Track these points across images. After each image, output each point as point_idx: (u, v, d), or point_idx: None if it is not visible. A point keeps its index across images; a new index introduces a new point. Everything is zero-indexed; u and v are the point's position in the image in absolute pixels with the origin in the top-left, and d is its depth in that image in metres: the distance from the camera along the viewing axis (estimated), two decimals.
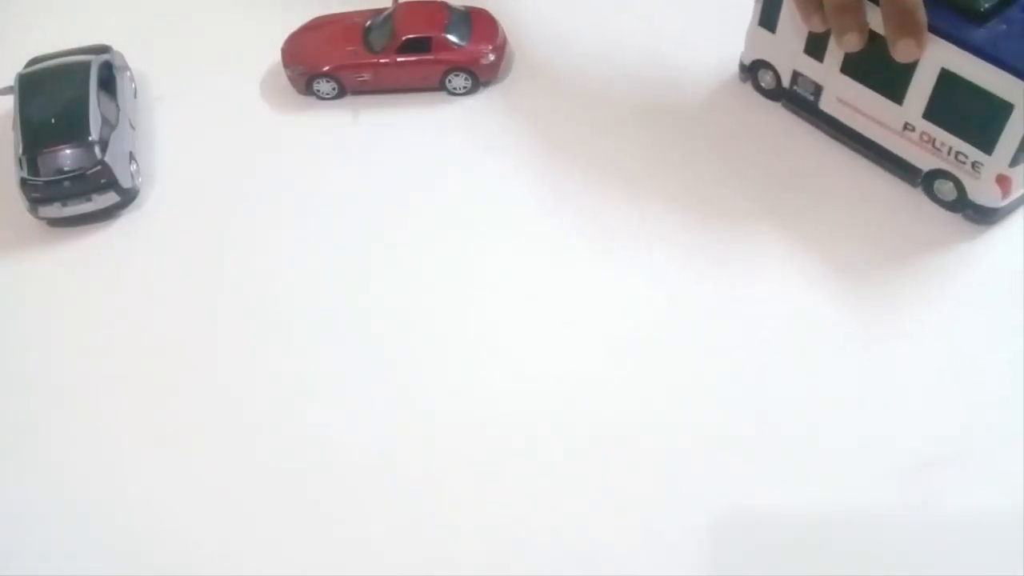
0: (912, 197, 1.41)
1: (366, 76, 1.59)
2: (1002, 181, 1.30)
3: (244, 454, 1.24)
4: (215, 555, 1.16)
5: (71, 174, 1.42)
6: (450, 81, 1.59)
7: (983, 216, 1.36)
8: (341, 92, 1.61)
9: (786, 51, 1.45)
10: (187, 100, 1.64)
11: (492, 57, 1.58)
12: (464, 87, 1.60)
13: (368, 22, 1.63)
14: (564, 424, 1.23)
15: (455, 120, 1.57)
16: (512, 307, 1.34)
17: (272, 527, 1.17)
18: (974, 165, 1.31)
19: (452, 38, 1.57)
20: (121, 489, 1.22)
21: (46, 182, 1.42)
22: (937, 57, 1.26)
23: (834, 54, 1.38)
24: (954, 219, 1.38)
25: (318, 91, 1.61)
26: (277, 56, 1.63)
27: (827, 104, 1.45)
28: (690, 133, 1.51)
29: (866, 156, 1.45)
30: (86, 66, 1.51)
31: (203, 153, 1.56)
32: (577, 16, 1.70)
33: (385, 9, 1.64)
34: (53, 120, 1.45)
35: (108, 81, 1.54)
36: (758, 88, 1.54)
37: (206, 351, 1.34)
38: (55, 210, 1.45)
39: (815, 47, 1.41)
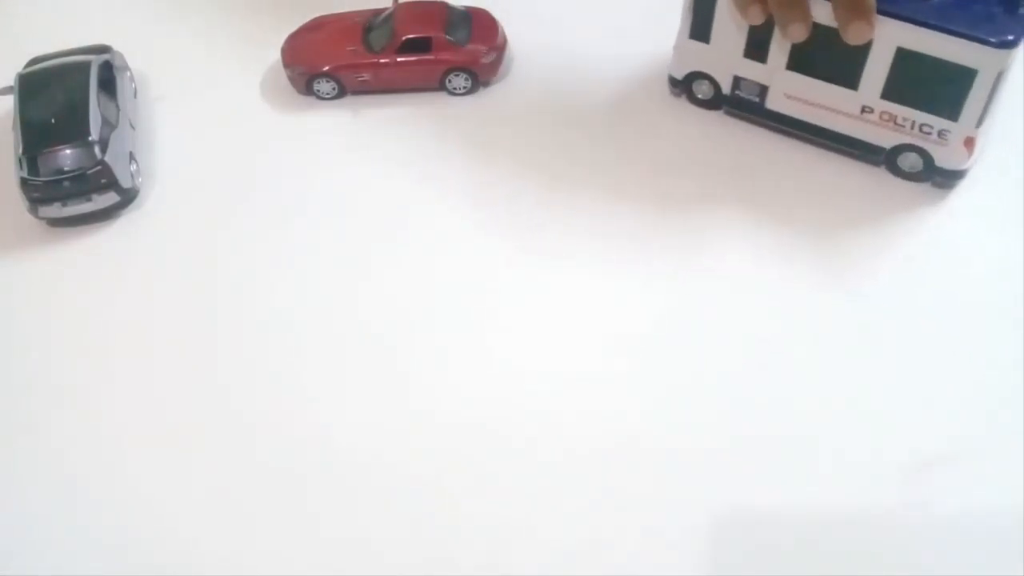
0: (877, 176, 1.42)
1: (366, 76, 1.59)
2: (968, 143, 1.33)
3: (244, 454, 1.24)
4: (215, 555, 1.16)
5: (71, 174, 1.42)
6: (450, 81, 1.59)
7: (950, 179, 1.38)
8: (341, 92, 1.61)
9: (723, 59, 1.44)
10: (187, 100, 1.64)
11: (492, 57, 1.58)
12: (464, 87, 1.60)
13: (368, 22, 1.63)
14: (564, 424, 1.23)
15: (455, 120, 1.57)
16: (512, 307, 1.34)
17: (272, 527, 1.17)
18: (940, 133, 1.33)
19: (452, 38, 1.57)
20: (121, 489, 1.22)
21: (46, 182, 1.42)
22: (891, 37, 1.28)
23: (778, 53, 1.38)
24: (922, 188, 1.40)
25: (318, 91, 1.61)
26: (277, 56, 1.63)
27: (774, 102, 1.44)
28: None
29: (823, 145, 1.45)
30: (86, 66, 1.51)
31: (203, 153, 1.56)
32: (578, 16, 1.69)
33: (385, 9, 1.64)
34: (53, 120, 1.45)
35: (108, 81, 1.54)
36: (694, 100, 1.52)
37: (206, 351, 1.34)
38: (55, 210, 1.45)
39: (755, 49, 1.40)
